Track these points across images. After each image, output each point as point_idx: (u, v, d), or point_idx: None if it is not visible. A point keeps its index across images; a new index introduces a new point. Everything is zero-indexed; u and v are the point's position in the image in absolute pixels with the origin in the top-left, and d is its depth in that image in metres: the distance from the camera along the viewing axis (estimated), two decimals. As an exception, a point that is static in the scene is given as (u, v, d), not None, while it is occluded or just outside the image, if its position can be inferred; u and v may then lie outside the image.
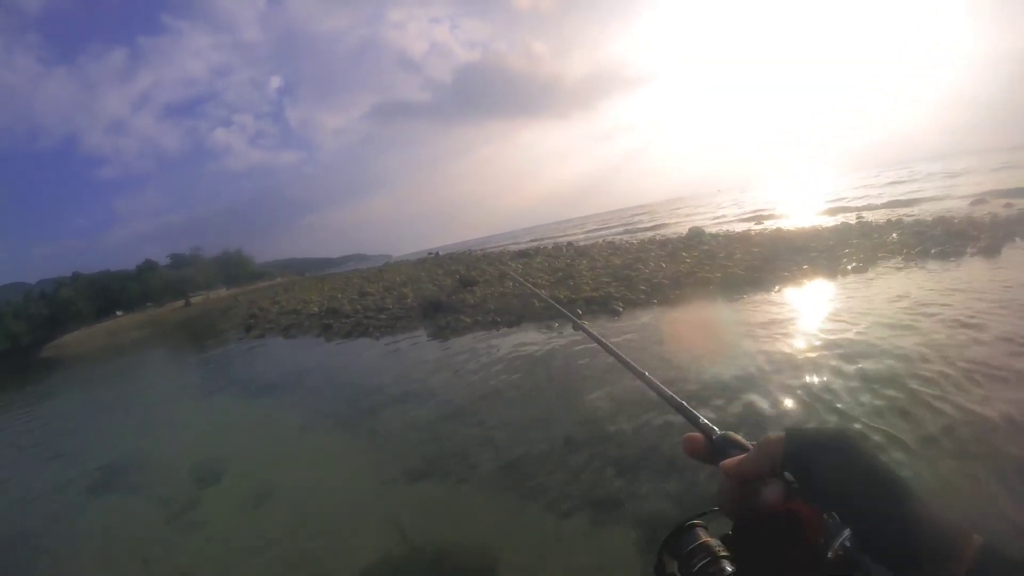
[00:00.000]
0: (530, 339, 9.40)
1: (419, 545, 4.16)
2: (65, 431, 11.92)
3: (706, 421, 0.88)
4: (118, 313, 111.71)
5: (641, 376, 1.11)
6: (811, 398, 4.95)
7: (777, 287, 9.60)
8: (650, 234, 28.25)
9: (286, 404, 9.51)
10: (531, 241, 51.51)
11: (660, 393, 1.02)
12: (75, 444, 10.29)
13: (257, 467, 6.63)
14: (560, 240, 37.64)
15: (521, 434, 5.61)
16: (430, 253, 55.22)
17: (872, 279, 9.12)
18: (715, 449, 0.82)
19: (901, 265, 9.76)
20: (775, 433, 0.71)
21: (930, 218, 14.11)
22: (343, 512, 5.00)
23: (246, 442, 7.88)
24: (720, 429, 0.85)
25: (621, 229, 45.19)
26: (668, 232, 26.78)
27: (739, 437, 0.81)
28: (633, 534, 3.61)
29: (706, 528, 0.88)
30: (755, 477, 0.70)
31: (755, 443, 0.75)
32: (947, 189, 22.95)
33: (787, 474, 0.69)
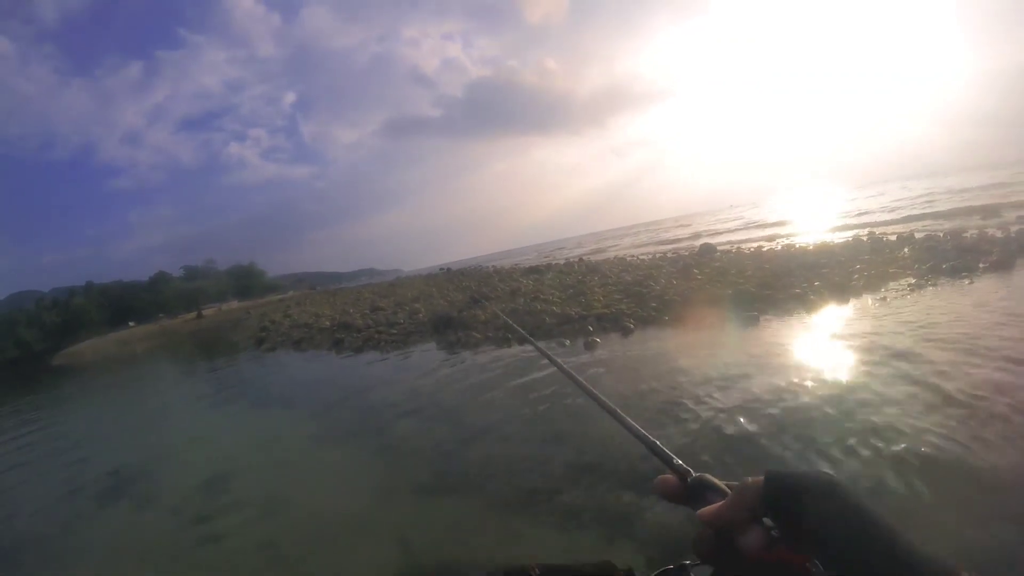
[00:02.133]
0: (541, 356, 9.34)
1: (425, 560, 4.17)
2: (75, 439, 11.98)
3: (680, 462, 0.85)
4: (130, 323, 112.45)
5: (613, 413, 1.10)
6: (810, 428, 4.83)
7: (789, 305, 9.56)
8: (661, 250, 28.19)
9: (296, 417, 9.56)
10: (543, 256, 51.47)
11: (633, 431, 1.00)
12: (85, 452, 10.35)
13: (266, 479, 6.66)
14: (571, 256, 37.61)
15: (531, 451, 5.60)
16: (441, 268, 55.21)
17: (883, 296, 9.09)
18: (690, 492, 0.79)
19: (913, 281, 9.73)
20: (754, 477, 0.68)
21: (941, 233, 14.04)
22: (350, 525, 5.00)
23: (256, 453, 7.90)
24: (695, 470, 0.82)
25: (633, 245, 45.15)
26: (679, 248, 26.72)
27: (715, 479, 0.77)
28: (642, 554, 3.60)
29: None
30: (734, 523, 0.68)
31: (732, 485, 0.73)
32: (979, 205, 22.56)
33: (767, 519, 0.66)
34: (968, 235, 12.74)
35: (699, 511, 0.72)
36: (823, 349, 6.91)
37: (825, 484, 0.63)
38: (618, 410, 1.08)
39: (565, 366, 1.47)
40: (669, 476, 0.83)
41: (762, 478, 0.67)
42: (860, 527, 0.58)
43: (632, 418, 1.03)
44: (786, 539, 0.63)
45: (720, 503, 0.70)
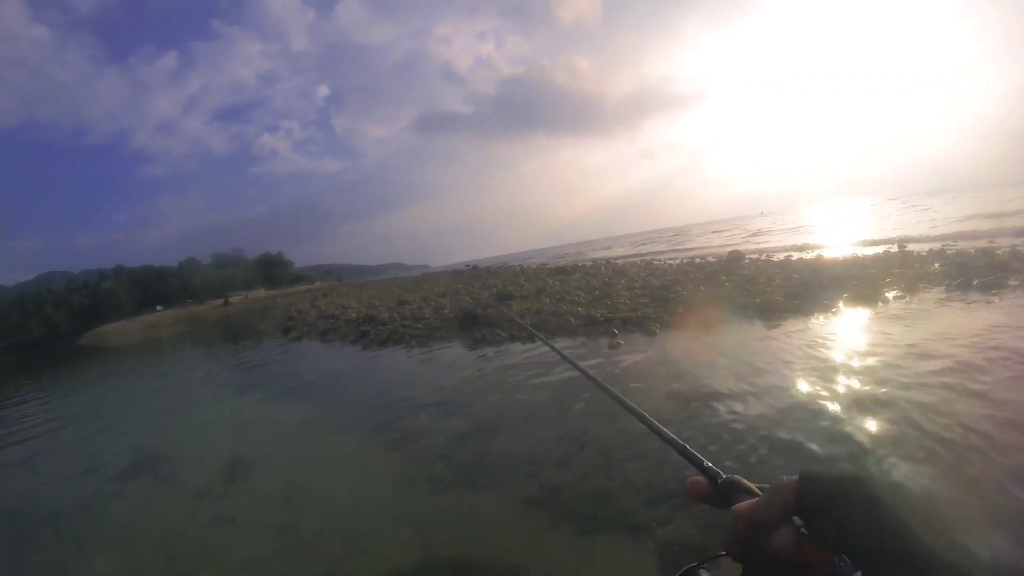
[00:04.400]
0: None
1: (442, 554, 4.21)
2: (98, 419, 12.33)
3: (710, 464, 0.87)
4: (158, 308, 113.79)
5: (642, 418, 1.13)
6: (834, 441, 4.79)
7: (816, 315, 9.52)
8: (689, 256, 28.02)
9: (318, 406, 9.69)
10: (569, 257, 51.33)
11: (662, 435, 1.03)
12: (107, 432, 10.66)
13: (286, 466, 6.78)
14: (598, 258, 37.45)
15: (554, 451, 5.62)
16: (468, 265, 55.20)
17: (913, 310, 9.00)
18: (721, 493, 0.81)
19: (943, 296, 9.64)
20: (788, 477, 0.70)
21: (972, 249, 13.84)
22: (368, 516, 5.07)
23: (277, 441, 8.05)
24: (724, 473, 0.84)
25: (661, 250, 44.89)
26: (708, 255, 26.54)
27: (745, 480, 0.80)
28: (660, 559, 3.62)
29: (709, 572, 0.91)
30: (768, 521, 0.69)
31: (764, 486, 0.76)
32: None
33: (795, 518, 0.66)
34: (1000, 252, 12.54)
35: (735, 507, 0.74)
36: (848, 361, 6.87)
37: (860, 484, 0.64)
38: (647, 415, 1.11)
39: (590, 371, 1.51)
40: (699, 478, 0.85)
41: (796, 477, 0.69)
42: (892, 528, 0.59)
43: (660, 422, 1.06)
44: (816, 536, 0.64)
45: (755, 500, 0.73)
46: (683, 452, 0.95)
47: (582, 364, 1.58)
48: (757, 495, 0.75)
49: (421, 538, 4.46)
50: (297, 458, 7.07)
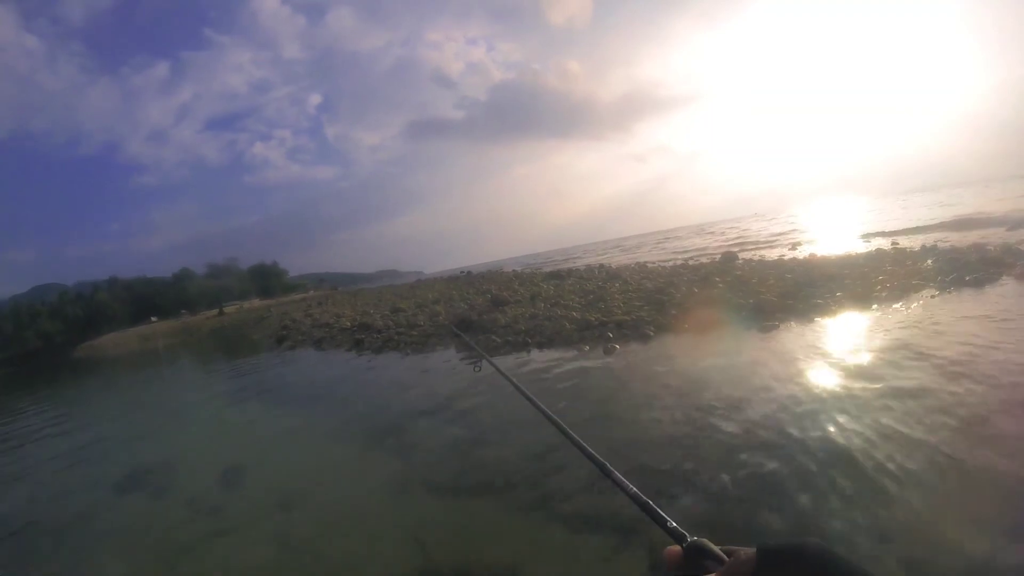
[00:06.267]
0: (560, 362, 9.42)
1: (439, 560, 4.21)
2: (94, 431, 12.23)
3: (674, 524, 0.86)
4: (153, 319, 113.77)
5: (602, 468, 1.10)
6: (840, 455, 4.67)
7: (810, 315, 9.52)
8: (683, 258, 27.99)
9: (314, 415, 9.68)
10: (563, 260, 51.33)
11: (624, 489, 1.01)
12: (104, 444, 10.62)
13: (283, 475, 6.78)
14: (592, 262, 37.43)
15: (548, 456, 5.59)
16: (462, 271, 55.17)
17: (907, 308, 9.02)
18: (686, 558, 0.80)
19: (936, 293, 9.67)
20: (746, 549, 0.71)
21: (965, 245, 13.88)
22: (365, 523, 5.08)
23: (273, 450, 8.03)
24: (690, 535, 0.83)
25: (654, 252, 44.86)
26: (701, 256, 26.52)
27: (711, 545, 0.79)
28: (650, 560, 3.61)
29: None
30: None
31: (730, 550, 0.76)
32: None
33: None
34: (992, 247, 12.58)
35: None
36: (842, 360, 6.87)
37: (817, 554, 0.65)
38: (607, 464, 1.09)
39: (552, 413, 1.48)
40: (675, 548, 0.84)
41: (754, 550, 0.70)
42: None
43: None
44: None
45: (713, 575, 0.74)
46: (645, 508, 0.93)
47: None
48: (723, 559, 0.76)
49: (419, 544, 4.45)
50: (294, 467, 7.06)
